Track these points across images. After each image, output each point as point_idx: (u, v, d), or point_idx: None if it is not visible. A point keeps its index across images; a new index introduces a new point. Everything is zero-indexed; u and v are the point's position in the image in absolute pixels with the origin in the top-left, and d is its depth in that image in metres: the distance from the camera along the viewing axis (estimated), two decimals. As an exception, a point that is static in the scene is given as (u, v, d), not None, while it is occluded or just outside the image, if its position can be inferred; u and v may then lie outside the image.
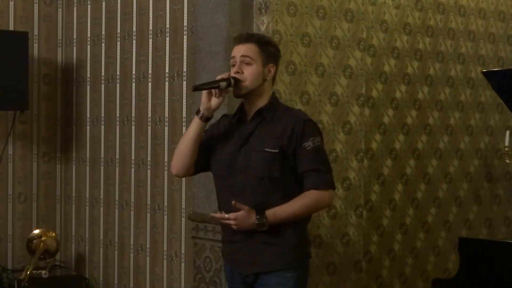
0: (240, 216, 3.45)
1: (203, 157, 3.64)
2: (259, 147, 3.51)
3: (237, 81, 3.52)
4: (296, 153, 3.50)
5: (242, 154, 3.53)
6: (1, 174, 6.01)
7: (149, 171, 5.50)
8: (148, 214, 5.52)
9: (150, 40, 5.48)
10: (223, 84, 3.51)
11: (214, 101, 3.54)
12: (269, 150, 3.49)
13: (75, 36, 6.12)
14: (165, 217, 5.38)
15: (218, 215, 3.51)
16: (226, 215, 3.47)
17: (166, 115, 5.35)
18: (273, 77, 3.61)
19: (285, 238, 3.52)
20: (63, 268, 6.05)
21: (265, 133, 3.53)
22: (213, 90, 3.52)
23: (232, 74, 3.53)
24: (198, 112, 3.57)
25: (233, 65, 3.57)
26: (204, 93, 3.54)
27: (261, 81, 3.56)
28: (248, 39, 3.57)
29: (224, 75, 3.54)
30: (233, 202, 3.46)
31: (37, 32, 6.12)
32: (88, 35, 6.00)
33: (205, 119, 3.56)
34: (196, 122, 3.57)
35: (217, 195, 3.67)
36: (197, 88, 3.61)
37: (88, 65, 6.02)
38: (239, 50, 3.56)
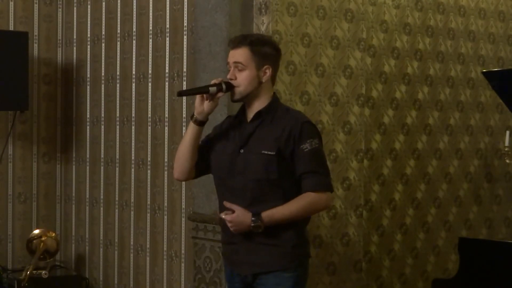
0: (235, 218, 3.46)
1: (204, 159, 3.64)
2: (257, 149, 3.50)
3: (231, 86, 3.52)
4: (293, 155, 3.49)
5: (242, 156, 3.53)
6: (1, 174, 6.01)
7: (149, 171, 5.51)
8: (148, 214, 5.52)
9: (150, 40, 5.48)
10: (213, 89, 3.50)
11: (207, 105, 3.54)
12: (266, 152, 3.48)
13: (75, 36, 6.12)
14: (165, 217, 5.38)
15: (222, 215, 3.52)
16: (223, 217, 3.49)
17: (166, 115, 5.35)
18: (271, 78, 3.59)
19: (284, 238, 3.51)
20: (63, 268, 6.05)
21: (264, 135, 3.52)
22: (205, 95, 3.52)
23: (226, 80, 3.53)
24: (192, 116, 3.57)
25: (229, 70, 3.57)
26: (198, 97, 3.55)
27: (257, 85, 3.54)
28: (240, 43, 3.53)
29: (216, 80, 3.53)
30: (224, 202, 3.49)
31: (37, 32, 6.12)
32: (88, 35, 6.00)
33: (199, 123, 3.56)
34: (191, 127, 3.58)
35: (217, 196, 3.67)
36: (182, 94, 3.65)
37: (88, 65, 6.02)
38: (232, 56, 3.54)
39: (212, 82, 3.53)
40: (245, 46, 3.52)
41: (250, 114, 3.58)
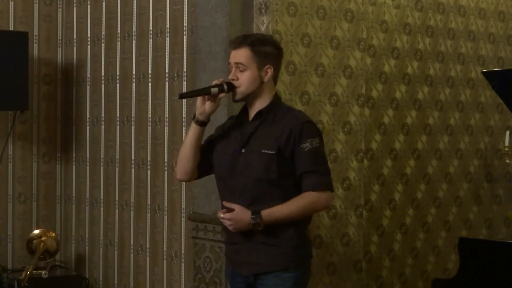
0: (234, 216, 3.46)
1: (207, 160, 3.64)
2: (257, 149, 3.50)
3: (232, 87, 3.52)
4: (294, 154, 3.48)
5: (243, 156, 3.53)
6: (1, 174, 6.01)
7: (149, 171, 5.50)
8: (148, 214, 5.52)
9: (150, 40, 5.48)
10: (214, 90, 3.50)
11: (208, 105, 3.54)
12: (266, 151, 3.48)
13: (75, 36, 6.12)
14: (165, 217, 5.38)
15: (220, 214, 3.52)
16: (222, 215, 3.48)
17: (166, 115, 5.35)
18: (273, 77, 3.58)
19: (285, 238, 3.51)
20: (63, 268, 6.05)
21: (265, 135, 3.52)
22: (206, 95, 3.52)
23: (227, 80, 3.53)
24: (194, 116, 3.57)
25: (231, 70, 3.57)
26: (199, 97, 3.55)
27: (258, 84, 3.54)
28: (241, 44, 3.53)
29: (218, 81, 3.53)
30: (223, 202, 3.49)
31: (37, 32, 6.12)
32: (88, 35, 6.00)
33: (201, 123, 3.56)
34: (193, 127, 3.58)
35: (219, 197, 3.67)
36: (183, 96, 3.65)
37: (88, 65, 6.02)
38: (233, 56, 3.54)
39: (214, 82, 3.53)
40: (246, 47, 3.52)
41: (252, 114, 3.58)
